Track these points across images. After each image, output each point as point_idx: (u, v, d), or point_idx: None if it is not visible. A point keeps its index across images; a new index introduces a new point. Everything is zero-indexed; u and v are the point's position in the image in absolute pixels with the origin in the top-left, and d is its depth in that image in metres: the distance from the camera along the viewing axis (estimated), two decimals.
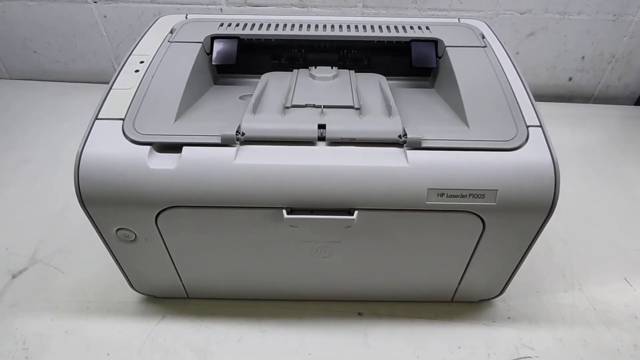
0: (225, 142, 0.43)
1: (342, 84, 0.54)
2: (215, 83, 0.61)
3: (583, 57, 1.00)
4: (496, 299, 0.58)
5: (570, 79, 1.04)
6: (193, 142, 0.44)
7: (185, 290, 0.56)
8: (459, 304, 0.58)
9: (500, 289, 0.56)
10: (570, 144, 0.91)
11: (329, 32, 0.59)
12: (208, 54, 0.58)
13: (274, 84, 0.54)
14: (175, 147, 0.44)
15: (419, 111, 0.52)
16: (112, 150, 0.43)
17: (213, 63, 0.58)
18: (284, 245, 0.49)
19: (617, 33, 0.96)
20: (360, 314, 0.57)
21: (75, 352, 0.52)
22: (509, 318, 0.57)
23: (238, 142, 0.44)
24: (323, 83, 0.54)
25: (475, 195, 0.43)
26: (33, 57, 1.06)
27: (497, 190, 0.43)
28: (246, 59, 0.61)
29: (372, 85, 0.54)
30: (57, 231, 0.67)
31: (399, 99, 0.52)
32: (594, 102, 1.08)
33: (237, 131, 0.44)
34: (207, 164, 0.43)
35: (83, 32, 1.01)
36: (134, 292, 0.57)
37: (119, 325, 0.55)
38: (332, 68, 0.57)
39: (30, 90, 1.05)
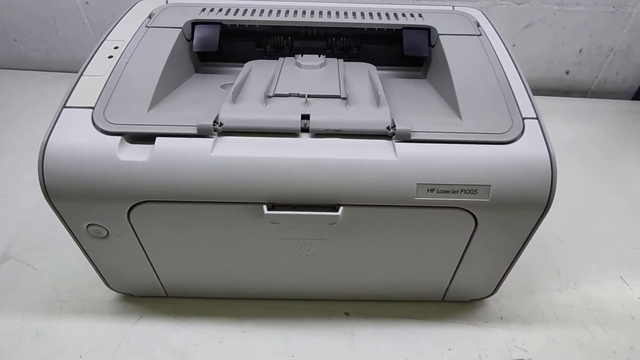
0: (202, 133, 0.41)
1: (330, 73, 0.52)
2: (197, 72, 0.58)
3: (580, 50, 0.98)
4: (488, 298, 0.56)
5: (567, 73, 1.02)
6: (167, 133, 0.41)
7: (163, 288, 0.54)
8: (449, 303, 0.56)
9: (492, 288, 0.54)
10: (566, 139, 0.89)
11: (316, 18, 0.56)
12: (189, 41, 0.55)
13: (257, 72, 0.51)
14: (148, 138, 0.41)
15: (410, 102, 0.49)
16: (80, 140, 0.41)
17: (194, 50, 0.55)
18: (266, 243, 0.46)
19: (615, 25, 0.94)
20: (346, 314, 0.55)
21: (45, 353, 0.50)
22: (501, 318, 0.55)
23: (215, 132, 0.41)
24: (309, 72, 0.52)
25: (467, 191, 0.41)
26: (13, 45, 1.02)
27: (490, 185, 0.40)
28: (229, 46, 0.58)
29: (361, 75, 0.51)
30: (32, 227, 0.64)
31: (389, 89, 0.50)
32: (591, 97, 1.06)
33: (214, 121, 0.41)
34: (181, 156, 0.40)
35: (64, 20, 0.97)
36: (110, 290, 0.54)
37: (94, 326, 0.52)
38: (319, 56, 0.55)
39: (10, 79, 1.01)
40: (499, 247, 0.47)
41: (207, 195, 0.41)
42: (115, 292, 0.55)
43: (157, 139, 0.41)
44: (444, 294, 0.55)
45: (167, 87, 0.48)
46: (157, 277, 0.51)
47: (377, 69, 0.53)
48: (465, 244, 0.46)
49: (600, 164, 0.83)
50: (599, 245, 0.66)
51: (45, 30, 0.99)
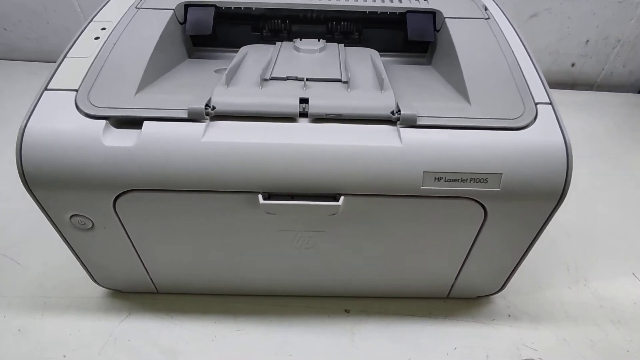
0: (193, 117, 0.38)
1: (330, 57, 0.49)
2: (190, 56, 0.55)
3: (587, 41, 0.96)
4: (495, 295, 0.53)
5: (573, 65, 0.99)
6: (155, 117, 0.38)
7: (153, 284, 0.51)
8: (455, 300, 0.54)
9: (500, 284, 0.51)
10: (572, 132, 0.85)
11: (316, 0, 0.53)
12: (182, 24, 0.52)
13: (254, 56, 0.48)
14: (134, 122, 0.38)
15: (415, 87, 0.46)
16: (62, 124, 0.38)
17: (187, 33, 0.53)
18: (261, 235, 0.43)
19: (623, 15, 0.91)
20: (347, 311, 0.52)
21: (28, 352, 0.47)
22: (509, 316, 0.53)
23: (207, 117, 0.38)
24: (308, 56, 0.49)
25: (477, 180, 0.38)
26: (3, 35, 0.99)
27: (501, 174, 0.38)
28: (224, 30, 0.55)
29: (363, 59, 0.49)
30: (17, 220, 0.62)
31: (393, 75, 0.47)
32: (597, 90, 1.03)
33: (206, 104, 0.38)
34: (171, 142, 0.37)
35: (55, 7, 0.94)
36: (97, 286, 0.51)
37: (79, 323, 0.50)
38: (319, 41, 0.52)
39: (0, 69, 0.98)
40: (509, 241, 0.44)
41: (198, 183, 0.38)
42: (103, 288, 0.53)
43: (145, 123, 0.38)
44: (449, 291, 0.53)
45: (156, 70, 0.45)
46: (147, 271, 0.49)
47: (380, 55, 0.50)
48: (474, 237, 0.44)
49: (609, 157, 0.80)
50: (609, 240, 0.63)
51: (35, 19, 0.96)
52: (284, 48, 0.51)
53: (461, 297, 0.54)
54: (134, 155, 0.37)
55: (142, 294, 0.53)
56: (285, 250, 0.45)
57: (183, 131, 0.38)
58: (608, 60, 0.98)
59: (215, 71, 0.49)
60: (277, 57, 0.48)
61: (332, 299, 0.53)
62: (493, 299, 0.55)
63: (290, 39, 0.53)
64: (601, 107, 0.95)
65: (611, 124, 0.90)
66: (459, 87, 0.44)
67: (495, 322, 0.52)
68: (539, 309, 0.54)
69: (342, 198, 0.39)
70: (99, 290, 0.53)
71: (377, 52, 0.51)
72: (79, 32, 0.47)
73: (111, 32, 0.46)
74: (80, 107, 0.39)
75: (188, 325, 0.50)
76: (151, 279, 0.50)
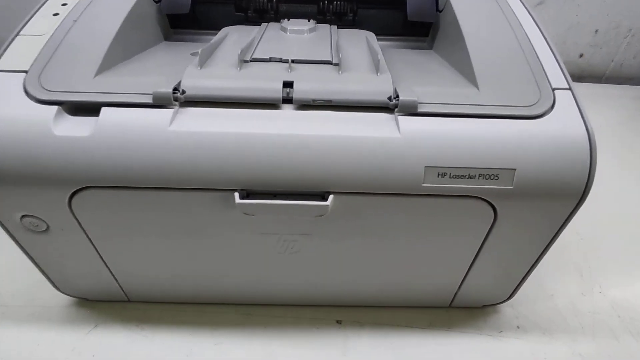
0: (159, 102, 0.33)
1: (320, 38, 0.44)
2: (168, 39, 0.50)
3: (597, 31, 0.91)
4: (503, 304, 0.49)
5: (581, 56, 0.95)
6: (116, 102, 0.33)
7: (123, 292, 0.46)
8: (458, 310, 0.50)
9: (509, 292, 0.47)
10: None
11: None
12: (157, 2, 0.47)
13: (235, 37, 0.44)
14: (91, 109, 0.33)
15: (415, 72, 0.41)
16: (7, 111, 0.33)
17: (163, 12, 0.47)
18: (240, 238, 0.38)
19: (635, 3, 0.86)
20: (338, 322, 0.47)
21: None
22: (518, 327, 0.48)
23: (177, 102, 0.34)
24: (296, 37, 0.44)
25: (487, 176, 0.33)
26: None
27: (514, 169, 0.33)
28: (205, 9, 0.50)
29: (358, 41, 0.44)
30: None
31: (391, 59, 0.42)
32: (606, 82, 0.98)
33: (175, 88, 0.34)
34: (132, 131, 0.33)
35: None
36: (62, 294, 0.46)
37: (39, 336, 0.45)
38: (309, 21, 0.47)
39: None
40: (521, 245, 0.39)
41: (165, 179, 0.33)
42: (68, 296, 0.47)
43: (103, 109, 0.33)
44: (452, 299, 0.48)
45: (123, 51, 0.40)
46: (114, 278, 0.44)
47: (377, 39, 0.45)
48: (481, 241, 0.39)
49: (619, 154, 0.76)
50: (624, 243, 0.59)
51: None
52: (270, 29, 0.46)
53: (465, 306, 0.50)
54: (90, 146, 0.32)
55: (111, 303, 0.48)
56: (268, 255, 0.40)
57: (147, 119, 0.33)
58: (618, 51, 0.93)
59: (192, 54, 0.43)
60: (260, 38, 0.43)
61: (322, 309, 0.49)
62: (500, 309, 0.50)
63: (277, 20, 0.48)
64: (610, 101, 0.90)
65: (620, 119, 0.85)
66: (466, 71, 0.39)
67: (502, 334, 0.48)
68: (550, 319, 0.49)
69: (331, 197, 0.34)
70: (63, 299, 0.48)
71: (373, 35, 0.46)
72: (36, 8, 0.41)
73: (73, 8, 0.41)
74: (30, 91, 0.34)
75: (161, 339, 0.45)
76: (120, 287, 0.45)
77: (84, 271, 0.43)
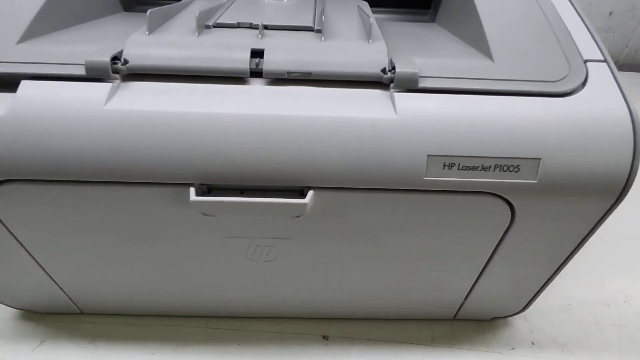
0: (94, 74, 0.27)
1: (303, 4, 0.37)
2: (128, 10, 0.43)
3: (611, 13, 0.84)
4: (515, 316, 0.42)
5: None
6: (39, 74, 0.27)
7: (73, 303, 0.39)
8: (464, 323, 0.44)
9: (523, 304, 0.41)
10: None
11: None
12: None
13: (202, 3, 0.36)
14: (8, 82, 0.26)
15: (416, 43, 0.35)
16: None
17: None
18: (201, 243, 0.32)
19: None
20: (325, 338, 0.41)
21: None
22: (532, 344, 0.42)
23: (117, 74, 0.27)
24: (275, 3, 0.37)
25: (505, 168, 0.27)
26: None
27: (539, 159, 0.27)
28: None
29: (347, 9, 0.37)
30: None
31: (387, 31, 0.36)
32: (620, 70, 0.91)
33: (115, 57, 0.27)
34: (59, 110, 0.26)
35: None
36: (3, 306, 0.40)
37: None
38: None
39: None
40: (542, 250, 0.33)
41: (102, 171, 0.27)
42: (11, 308, 0.41)
43: (22, 82, 0.27)
44: (457, 311, 0.42)
45: (61, 18, 0.33)
46: (59, 287, 0.37)
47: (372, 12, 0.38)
48: (494, 245, 0.33)
49: None
50: None
51: None
52: None
53: (472, 318, 0.44)
54: (6, 129, 0.26)
55: (62, 316, 0.41)
56: (237, 262, 0.34)
57: (78, 95, 0.27)
58: (634, 35, 0.86)
59: None
60: (232, 3, 0.36)
61: (306, 322, 0.43)
62: (512, 321, 0.44)
63: None
64: (627, 89, 0.83)
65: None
66: (477, 41, 0.32)
67: (515, 351, 0.41)
68: (570, 333, 0.44)
69: (310, 193, 0.28)
70: (5, 311, 0.41)
71: (366, 4, 0.39)
72: None
73: None
74: None
75: (117, 356, 0.38)
76: (68, 297, 0.39)
77: (23, 280, 0.36)
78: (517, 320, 0.44)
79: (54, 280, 0.36)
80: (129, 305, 0.40)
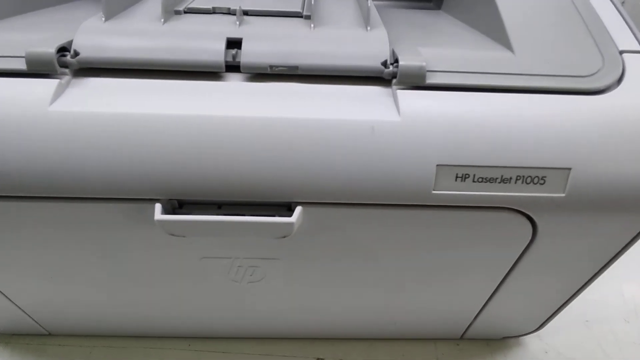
0: (36, 68, 0.23)
1: None
2: None
3: (623, 2, 0.79)
4: (528, 335, 0.38)
5: None
6: None
7: (38, 324, 0.36)
8: (472, 342, 0.42)
9: (538, 323, 0.37)
10: None
11: None
12: None
13: None
14: None
15: (421, 32, 0.30)
16: None
17: None
18: (174, 263, 0.28)
19: None
20: None
21: None
22: None
23: (65, 69, 0.23)
24: None
25: (528, 180, 0.23)
26: None
27: (569, 169, 0.23)
28: None
29: None
30: None
31: (387, 18, 0.31)
32: None
33: (62, 47, 0.22)
34: None
35: None
36: None
37: None
38: None
39: None
40: (564, 269, 0.30)
41: (47, 185, 0.22)
42: None
43: None
44: (466, 330, 0.38)
45: (10, 3, 0.28)
46: (20, 308, 0.33)
47: None
48: (511, 264, 0.29)
49: None
50: None
51: None
52: None
53: (480, 337, 0.40)
54: None
55: (28, 337, 0.37)
56: (219, 283, 0.30)
57: (17, 93, 0.22)
58: None
59: None
60: None
61: (298, 343, 0.40)
62: (524, 341, 0.41)
63: None
64: None
65: None
66: (494, 30, 0.28)
67: None
68: (588, 353, 0.41)
69: (298, 209, 0.23)
70: None
71: None
72: None
73: None
74: None
75: None
76: (32, 318, 0.35)
77: None
78: (531, 339, 0.40)
79: (11, 301, 0.32)
80: (103, 325, 0.36)
